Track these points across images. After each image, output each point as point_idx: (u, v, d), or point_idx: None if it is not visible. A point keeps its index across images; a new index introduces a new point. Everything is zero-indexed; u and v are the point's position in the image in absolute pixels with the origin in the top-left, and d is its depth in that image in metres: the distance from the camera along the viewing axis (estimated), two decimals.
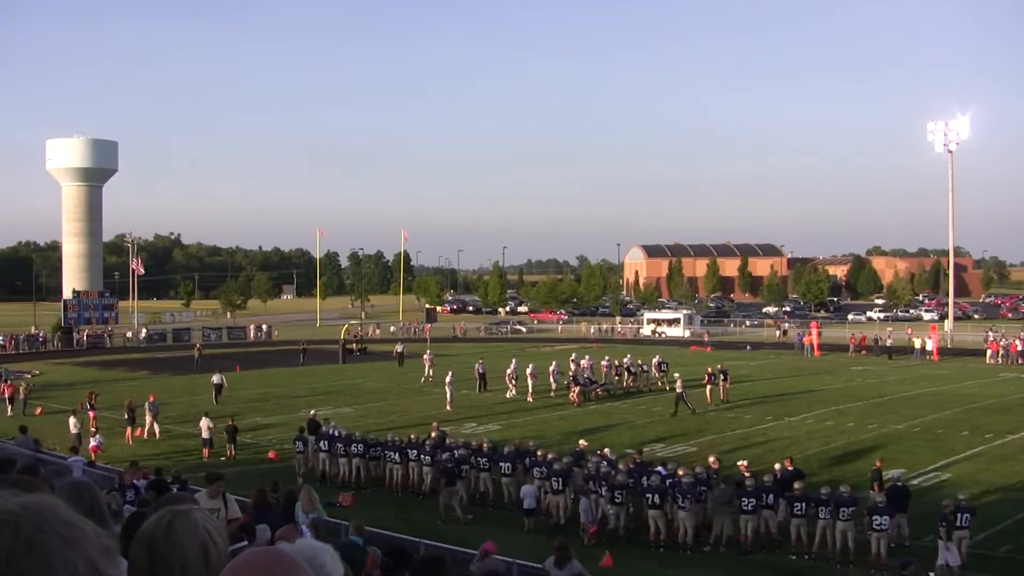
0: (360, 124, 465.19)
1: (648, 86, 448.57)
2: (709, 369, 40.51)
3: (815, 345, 67.51)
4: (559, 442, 30.56)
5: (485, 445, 24.03)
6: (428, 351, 53.55)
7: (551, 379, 44.12)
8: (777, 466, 21.06)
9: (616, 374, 45.48)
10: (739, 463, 21.24)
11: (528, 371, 43.10)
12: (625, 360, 48.11)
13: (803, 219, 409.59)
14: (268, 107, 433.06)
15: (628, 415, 37.57)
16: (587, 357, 49.28)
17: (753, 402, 40.51)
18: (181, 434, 33.73)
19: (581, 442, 24.95)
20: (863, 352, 66.62)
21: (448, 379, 39.98)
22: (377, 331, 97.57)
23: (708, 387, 39.71)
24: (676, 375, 40.29)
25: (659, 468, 21.14)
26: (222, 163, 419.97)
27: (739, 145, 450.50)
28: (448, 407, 39.06)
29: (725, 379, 45.07)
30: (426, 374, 50.83)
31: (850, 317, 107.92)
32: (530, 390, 42.07)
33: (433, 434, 26.17)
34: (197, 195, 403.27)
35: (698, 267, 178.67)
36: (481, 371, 45.94)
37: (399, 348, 63.08)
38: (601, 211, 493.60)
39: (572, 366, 47.88)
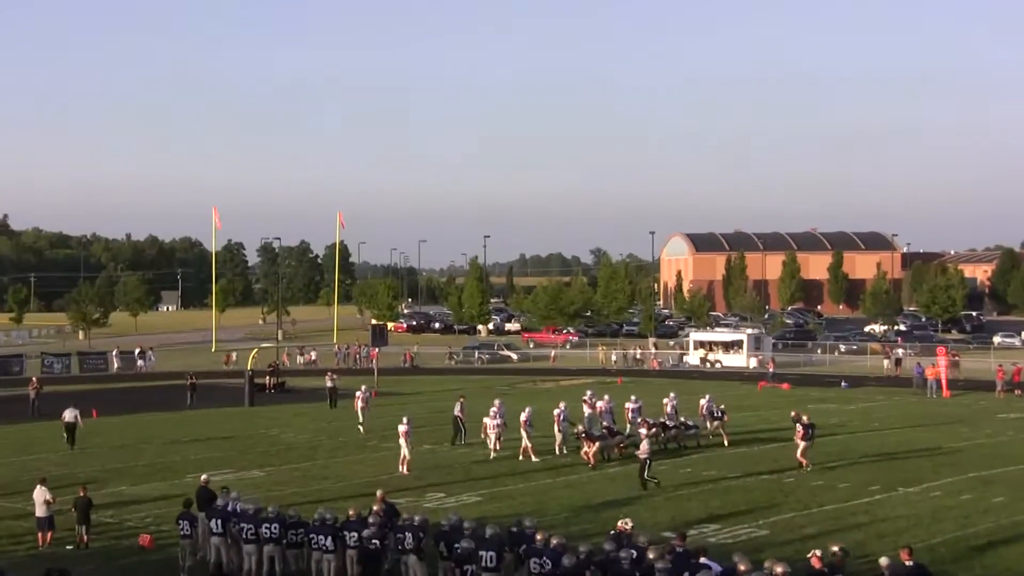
0: (277, 61, 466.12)
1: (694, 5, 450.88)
2: (805, 418, 40.21)
3: (944, 381, 67.62)
4: (566, 520, 30.38)
5: (466, 525, 23.97)
6: (363, 387, 53.54)
7: (556, 428, 44.01)
8: (885, 560, 20.92)
9: (648, 424, 45.29)
10: (814, 552, 20.90)
11: (522, 418, 42.92)
12: (667, 401, 48.09)
13: (926, 197, 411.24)
14: (131, 31, 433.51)
15: (667, 480, 37.54)
16: (607, 397, 49.18)
17: (850, 464, 40.43)
18: (6, 512, 33.54)
19: (623, 523, 24.47)
20: (1018, 392, 66.83)
21: (403, 428, 39.91)
22: (302, 359, 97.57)
23: (801, 442, 39.43)
24: (641, 430, 41.15)
25: (710, 563, 21.02)
26: (66, 116, 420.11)
27: (829, 89, 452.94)
28: (403, 468, 39.02)
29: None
30: (360, 420, 51.10)
31: (997, 340, 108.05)
32: (525, 445, 41.97)
33: (376, 507, 26.05)
34: (29, 162, 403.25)
35: (770, 266, 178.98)
36: (461, 415, 45.79)
37: (330, 381, 63.01)
38: (626, 185, 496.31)
39: (586, 409, 47.78)
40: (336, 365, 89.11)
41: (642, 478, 36.02)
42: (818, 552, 20.68)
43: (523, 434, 42.26)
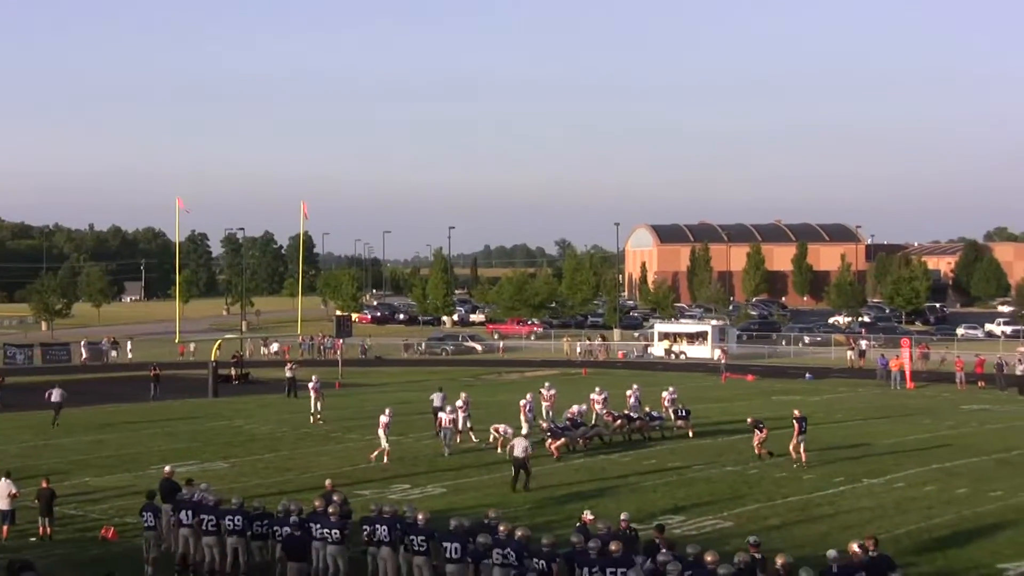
0: (241, 50, 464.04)
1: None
2: (797, 413, 40.16)
3: (907, 373, 68.07)
4: (530, 513, 30.50)
5: (420, 517, 23.87)
6: (314, 377, 53.60)
7: (522, 419, 44.09)
8: (856, 547, 20.99)
9: (612, 415, 45.45)
10: (780, 558, 20.80)
11: (521, 402, 43.97)
12: (630, 393, 48.48)
13: (890, 190, 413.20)
14: (95, 19, 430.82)
15: (632, 471, 37.69)
16: (598, 388, 49.35)
17: (816, 455, 40.61)
18: None
19: (586, 514, 24.68)
20: (980, 384, 67.30)
21: (384, 419, 39.86)
22: (265, 349, 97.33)
23: (797, 436, 39.15)
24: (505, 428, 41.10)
25: (669, 554, 20.94)
26: (28, 105, 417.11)
27: (794, 81, 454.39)
28: (385, 459, 39.25)
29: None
30: (313, 409, 51.31)
31: (960, 331, 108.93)
32: (498, 435, 41.89)
33: (336, 497, 25.88)
34: None
35: (734, 257, 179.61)
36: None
37: (289, 372, 63.68)
38: (592, 176, 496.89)
39: (546, 403, 48.19)
40: (301, 356, 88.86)
41: (516, 481, 34.55)
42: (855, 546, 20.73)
43: (495, 431, 42.14)
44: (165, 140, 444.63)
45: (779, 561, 19.75)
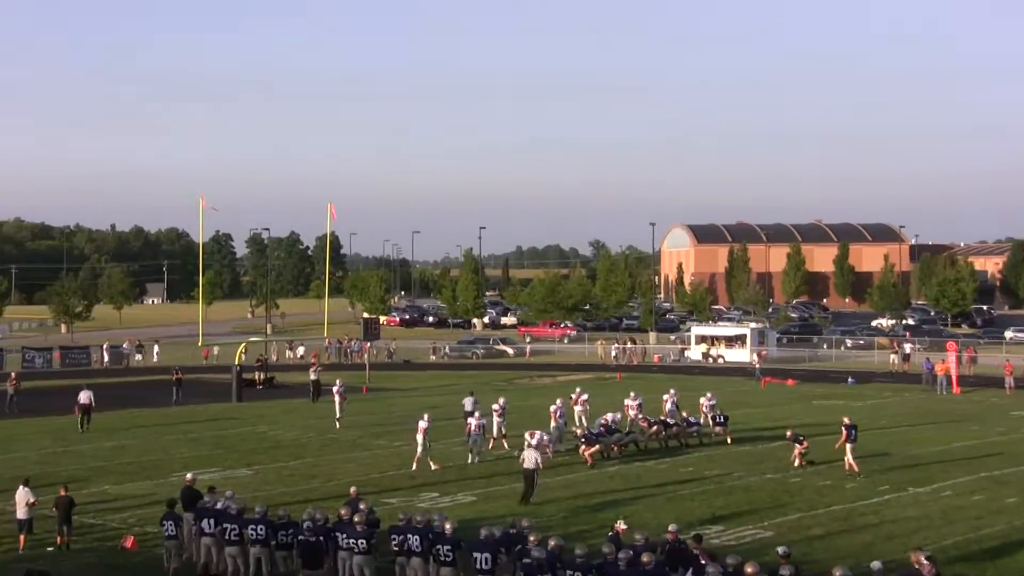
0: (267, 42, 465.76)
1: None
2: (846, 420, 39.91)
3: (954, 378, 67.65)
4: (563, 522, 30.43)
5: (448, 526, 23.79)
6: (339, 381, 53.65)
7: (552, 425, 43.95)
8: (924, 558, 20.57)
9: (648, 421, 45.31)
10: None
11: (552, 408, 43.91)
12: (667, 398, 48.40)
13: (935, 188, 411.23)
14: (116, 16, 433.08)
15: (669, 479, 37.57)
16: (632, 394, 49.17)
17: (859, 463, 40.33)
18: None
19: (619, 523, 24.56)
20: None
21: (423, 424, 39.79)
22: (291, 353, 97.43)
23: (847, 444, 38.89)
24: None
25: (710, 565, 20.83)
26: (47, 106, 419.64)
27: (835, 79, 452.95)
28: (415, 466, 39.18)
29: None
30: (337, 415, 51.52)
31: (1008, 335, 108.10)
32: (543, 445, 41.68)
33: (361, 506, 25.66)
34: (10, 152, 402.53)
35: (774, 258, 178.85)
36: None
37: (314, 374, 64.02)
38: (626, 175, 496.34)
39: (578, 407, 48.33)
40: (328, 360, 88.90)
41: (527, 495, 33.92)
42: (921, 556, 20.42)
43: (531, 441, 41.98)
44: (189, 137, 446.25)
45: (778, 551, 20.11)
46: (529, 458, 34.45)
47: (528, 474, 34.05)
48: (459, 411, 47.68)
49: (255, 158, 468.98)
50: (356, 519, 24.22)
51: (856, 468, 38.33)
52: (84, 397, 50.77)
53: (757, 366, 77.26)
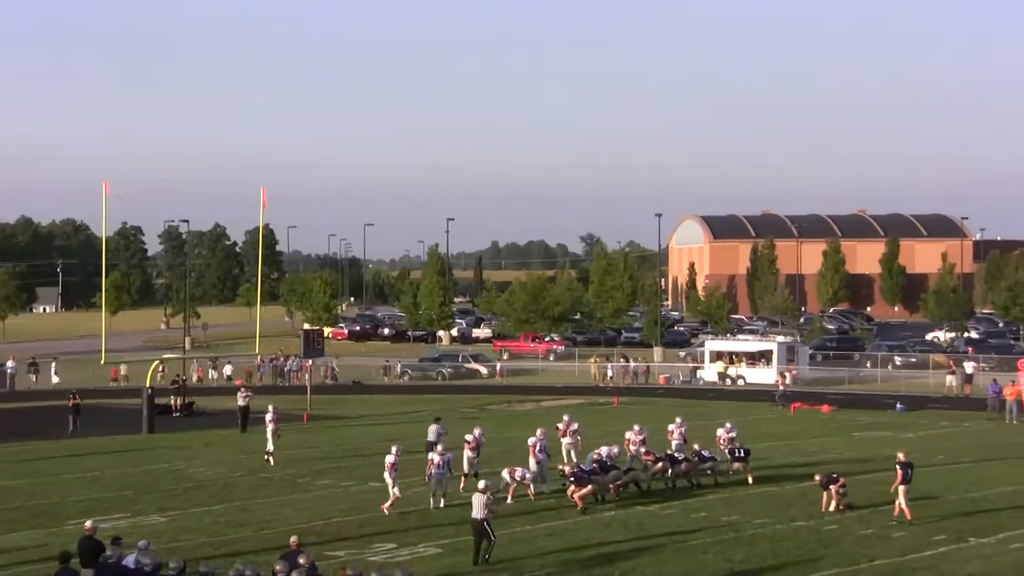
0: (184, 7, 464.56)
1: None
2: (901, 456, 39.93)
3: None
4: None
5: None
6: (271, 407, 53.49)
7: (531, 462, 43.88)
8: None
9: (653, 456, 45.36)
10: None
11: (530, 441, 43.66)
12: (673, 428, 48.50)
13: (1005, 170, 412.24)
14: None
15: (678, 527, 37.62)
16: (636, 427, 48.97)
17: (911, 508, 40.49)
18: None
19: None
20: None
21: (391, 459, 39.86)
22: (215, 373, 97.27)
23: (901, 487, 39.02)
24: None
25: None
26: None
27: (880, 38, 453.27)
28: (386, 508, 39.36)
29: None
30: (269, 449, 51.43)
31: None
32: (508, 483, 41.88)
33: (300, 560, 25.72)
34: None
35: (807, 257, 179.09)
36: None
37: (243, 399, 63.70)
38: (626, 157, 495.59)
39: (566, 439, 48.06)
40: (260, 381, 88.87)
41: (478, 552, 33.03)
42: None
43: (511, 475, 41.97)
44: (89, 110, 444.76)
45: None
46: (477, 505, 33.52)
47: (477, 525, 33.10)
48: (422, 443, 47.64)
49: (170, 135, 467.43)
50: (294, 575, 24.21)
51: (909, 514, 38.39)
52: None
53: (781, 388, 77.35)
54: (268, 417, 52.28)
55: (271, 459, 50.64)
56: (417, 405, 75.04)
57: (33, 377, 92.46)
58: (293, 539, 28.44)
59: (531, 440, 44.71)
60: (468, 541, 34.72)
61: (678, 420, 49.82)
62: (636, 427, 48.26)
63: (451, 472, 41.96)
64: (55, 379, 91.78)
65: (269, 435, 51.60)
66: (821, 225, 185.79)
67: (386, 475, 39.79)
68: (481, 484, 35.31)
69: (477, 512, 33.06)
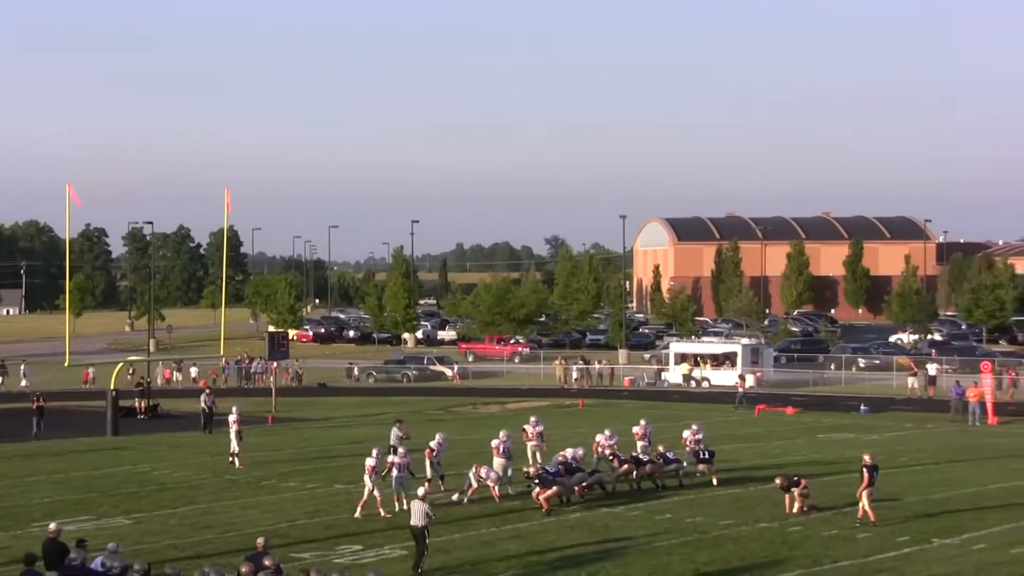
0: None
1: None
2: (867, 459, 39.85)
3: (989, 406, 68.05)
4: None
5: None
6: (234, 409, 53.23)
7: (495, 463, 43.74)
8: None
9: (618, 458, 45.37)
10: None
11: (494, 443, 43.60)
12: (638, 430, 48.44)
13: (968, 173, 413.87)
14: None
15: (643, 530, 37.62)
16: (607, 432, 48.88)
17: (875, 509, 40.62)
18: None
19: None
20: None
21: (370, 462, 39.76)
22: (180, 375, 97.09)
23: (865, 488, 39.04)
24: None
25: None
26: None
27: (845, 38, 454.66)
28: (381, 510, 39.16)
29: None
30: (232, 449, 51.31)
31: None
32: (469, 485, 41.94)
33: (266, 562, 25.68)
34: None
35: (771, 258, 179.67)
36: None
37: (206, 402, 63.90)
38: (593, 157, 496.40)
39: (531, 442, 47.87)
40: (225, 383, 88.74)
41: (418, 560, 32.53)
42: None
43: (472, 478, 42.00)
44: (53, 108, 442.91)
45: None
46: (416, 512, 33.04)
47: (416, 532, 32.67)
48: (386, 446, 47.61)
49: (134, 135, 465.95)
50: None
51: (872, 515, 38.49)
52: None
53: (741, 391, 77.41)
54: (232, 419, 52.24)
55: (236, 461, 50.57)
56: (382, 407, 75.02)
57: (0, 379, 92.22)
58: (260, 540, 28.35)
59: (495, 442, 44.71)
60: (432, 542, 34.68)
61: (643, 422, 49.81)
62: (607, 431, 48.16)
63: (412, 475, 41.92)
64: (24, 382, 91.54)
65: (233, 437, 51.54)
66: (785, 227, 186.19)
67: (366, 478, 39.66)
68: (420, 491, 34.84)
69: (415, 519, 32.71)
